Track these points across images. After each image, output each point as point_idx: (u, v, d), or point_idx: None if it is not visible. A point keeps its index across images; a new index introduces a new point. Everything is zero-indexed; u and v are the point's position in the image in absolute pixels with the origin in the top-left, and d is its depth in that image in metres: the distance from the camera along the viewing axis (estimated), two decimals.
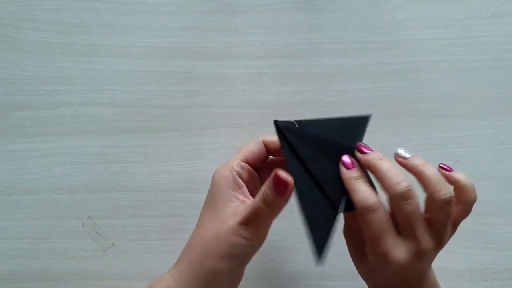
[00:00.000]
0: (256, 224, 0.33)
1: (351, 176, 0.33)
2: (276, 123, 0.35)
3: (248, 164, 0.36)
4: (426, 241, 0.32)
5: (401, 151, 0.35)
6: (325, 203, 0.34)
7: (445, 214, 0.32)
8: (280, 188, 0.32)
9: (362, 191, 0.32)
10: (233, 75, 0.47)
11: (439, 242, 0.33)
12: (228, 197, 0.34)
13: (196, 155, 0.46)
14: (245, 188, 0.35)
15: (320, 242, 0.33)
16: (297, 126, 0.36)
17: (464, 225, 0.45)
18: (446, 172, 0.34)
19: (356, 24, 0.47)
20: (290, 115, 0.41)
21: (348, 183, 0.33)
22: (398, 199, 0.31)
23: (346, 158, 0.34)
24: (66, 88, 0.47)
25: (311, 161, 0.34)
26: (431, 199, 0.32)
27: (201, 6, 0.48)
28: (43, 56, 0.47)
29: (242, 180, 0.35)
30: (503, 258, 0.45)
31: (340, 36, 0.47)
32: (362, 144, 0.35)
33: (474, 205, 0.46)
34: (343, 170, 0.34)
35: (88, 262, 0.45)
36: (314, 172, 0.34)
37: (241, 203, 0.34)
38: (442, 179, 0.33)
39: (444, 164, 0.35)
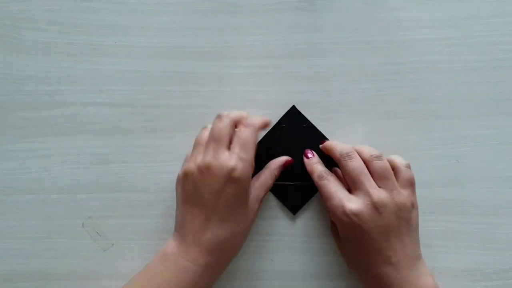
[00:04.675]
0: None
1: (312, 162, 0.44)
2: (294, 108, 0.46)
3: None
4: (376, 191, 0.38)
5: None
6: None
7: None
8: (287, 167, 0.45)
9: (317, 169, 0.43)
10: (233, 75, 0.47)
11: (390, 191, 0.39)
12: (250, 188, 0.40)
13: None
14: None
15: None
16: (306, 124, 0.46)
17: (464, 225, 0.45)
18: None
19: (356, 24, 0.47)
20: None
21: (309, 167, 0.43)
22: (344, 158, 0.40)
23: (307, 151, 0.45)
24: (66, 88, 0.47)
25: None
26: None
27: (201, 6, 0.48)
28: (43, 56, 0.47)
29: None
30: (503, 258, 0.45)
31: (340, 36, 0.47)
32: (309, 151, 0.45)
33: (474, 205, 0.46)
34: (305, 159, 0.44)
35: (88, 262, 0.45)
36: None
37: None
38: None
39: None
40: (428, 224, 0.45)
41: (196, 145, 0.41)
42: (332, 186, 0.40)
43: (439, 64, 0.47)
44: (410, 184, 0.40)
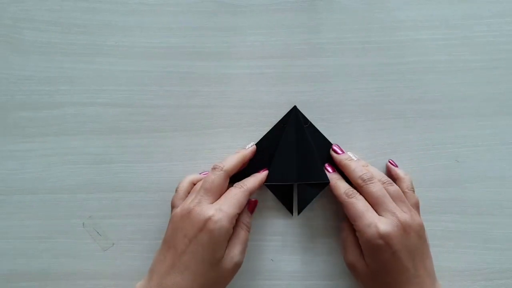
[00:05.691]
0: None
1: (334, 177, 0.43)
2: (296, 108, 0.46)
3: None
4: (400, 212, 0.39)
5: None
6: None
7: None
8: (253, 208, 0.44)
9: (342, 186, 0.42)
10: (233, 75, 0.47)
11: (409, 212, 0.39)
12: (225, 246, 0.39)
13: (196, 155, 0.46)
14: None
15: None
16: (307, 125, 0.46)
17: (463, 225, 0.45)
18: (391, 166, 0.45)
19: (356, 24, 0.47)
20: None
21: (332, 182, 0.43)
22: (365, 183, 0.40)
23: (328, 167, 0.44)
24: (66, 88, 0.47)
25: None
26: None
27: (201, 6, 0.48)
28: (43, 56, 0.47)
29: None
30: (503, 258, 0.45)
31: (340, 36, 0.47)
32: (336, 145, 0.45)
33: (474, 205, 0.46)
34: (328, 173, 0.44)
35: (88, 262, 0.45)
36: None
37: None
38: (358, 166, 0.42)
39: (392, 161, 0.45)
40: (428, 224, 0.45)
41: (191, 192, 0.42)
42: (362, 206, 0.39)
43: (439, 64, 0.47)
44: (417, 207, 0.42)
